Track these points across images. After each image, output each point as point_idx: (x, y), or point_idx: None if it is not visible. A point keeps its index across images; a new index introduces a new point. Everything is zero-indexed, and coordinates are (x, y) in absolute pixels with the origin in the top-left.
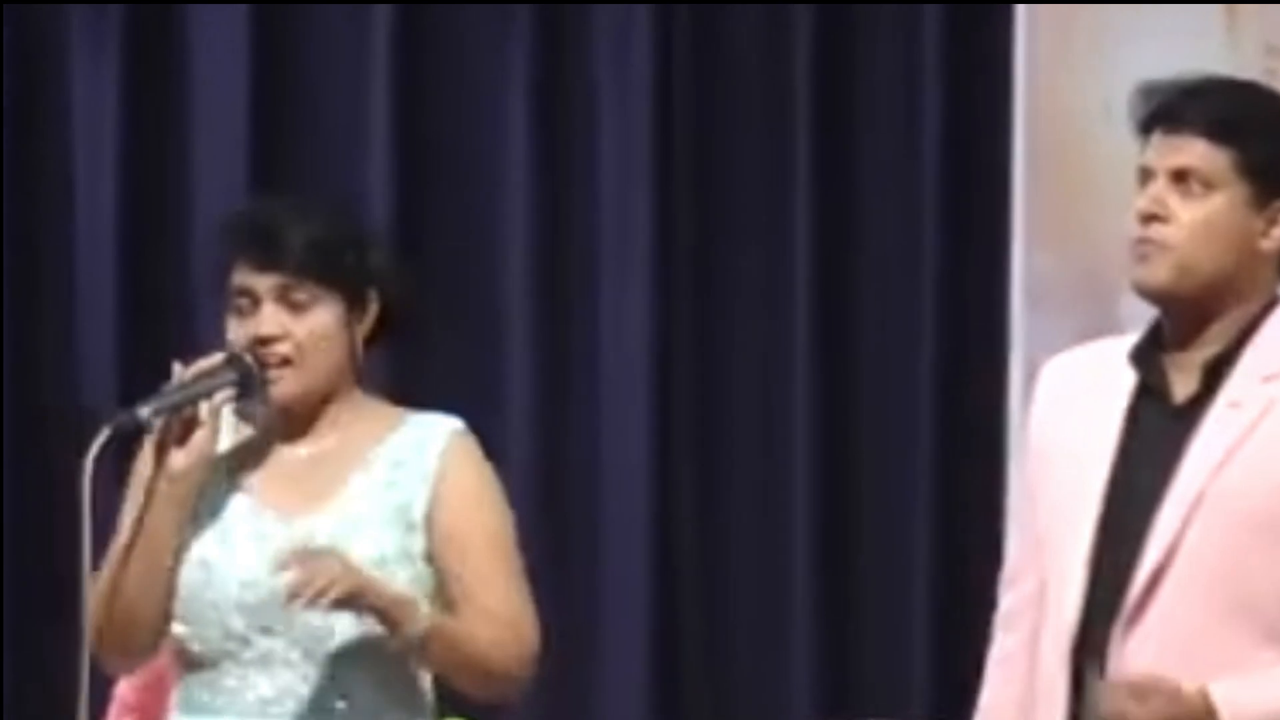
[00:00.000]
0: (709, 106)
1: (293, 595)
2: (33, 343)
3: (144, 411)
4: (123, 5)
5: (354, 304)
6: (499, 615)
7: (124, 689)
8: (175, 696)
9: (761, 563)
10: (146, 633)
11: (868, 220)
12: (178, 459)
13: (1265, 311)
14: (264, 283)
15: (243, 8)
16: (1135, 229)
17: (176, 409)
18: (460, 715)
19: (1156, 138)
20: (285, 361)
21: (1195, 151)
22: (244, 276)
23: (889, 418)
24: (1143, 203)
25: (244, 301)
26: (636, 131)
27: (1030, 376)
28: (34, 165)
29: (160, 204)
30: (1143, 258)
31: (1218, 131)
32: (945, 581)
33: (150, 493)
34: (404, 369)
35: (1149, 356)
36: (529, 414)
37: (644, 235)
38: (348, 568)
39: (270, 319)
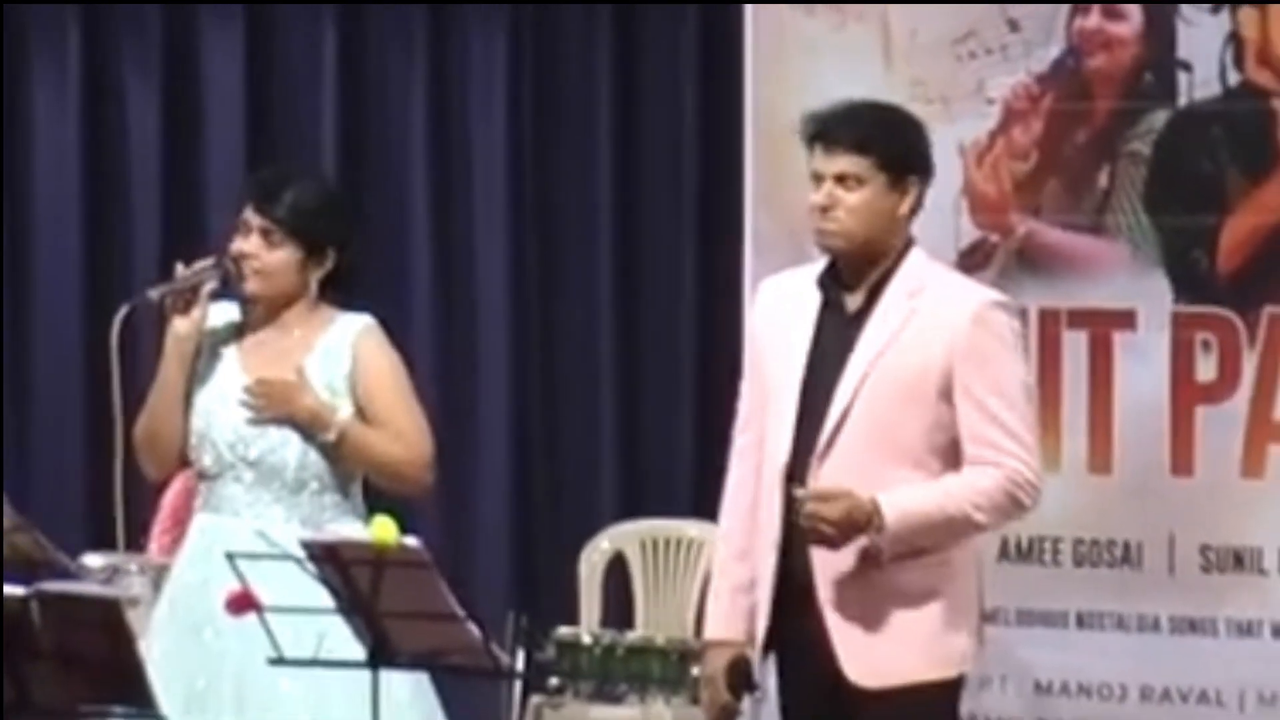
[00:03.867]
0: (546, 107)
1: (253, 417)
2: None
3: (153, 293)
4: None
5: (312, 254)
6: (402, 432)
7: (169, 496)
8: (198, 495)
9: (582, 406)
10: (164, 449)
11: (649, 195)
12: (181, 324)
13: (906, 249)
14: (255, 220)
15: (240, 21)
16: (816, 215)
17: (179, 292)
18: (384, 512)
19: (820, 150)
20: (255, 272)
21: (847, 161)
22: (247, 212)
23: (666, 330)
24: (818, 198)
25: (244, 227)
26: (496, 114)
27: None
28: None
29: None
30: (823, 231)
31: (859, 145)
32: (703, 422)
33: (163, 351)
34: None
35: (829, 282)
36: (429, 312)
37: (501, 194)
38: (284, 398)
39: (251, 243)
